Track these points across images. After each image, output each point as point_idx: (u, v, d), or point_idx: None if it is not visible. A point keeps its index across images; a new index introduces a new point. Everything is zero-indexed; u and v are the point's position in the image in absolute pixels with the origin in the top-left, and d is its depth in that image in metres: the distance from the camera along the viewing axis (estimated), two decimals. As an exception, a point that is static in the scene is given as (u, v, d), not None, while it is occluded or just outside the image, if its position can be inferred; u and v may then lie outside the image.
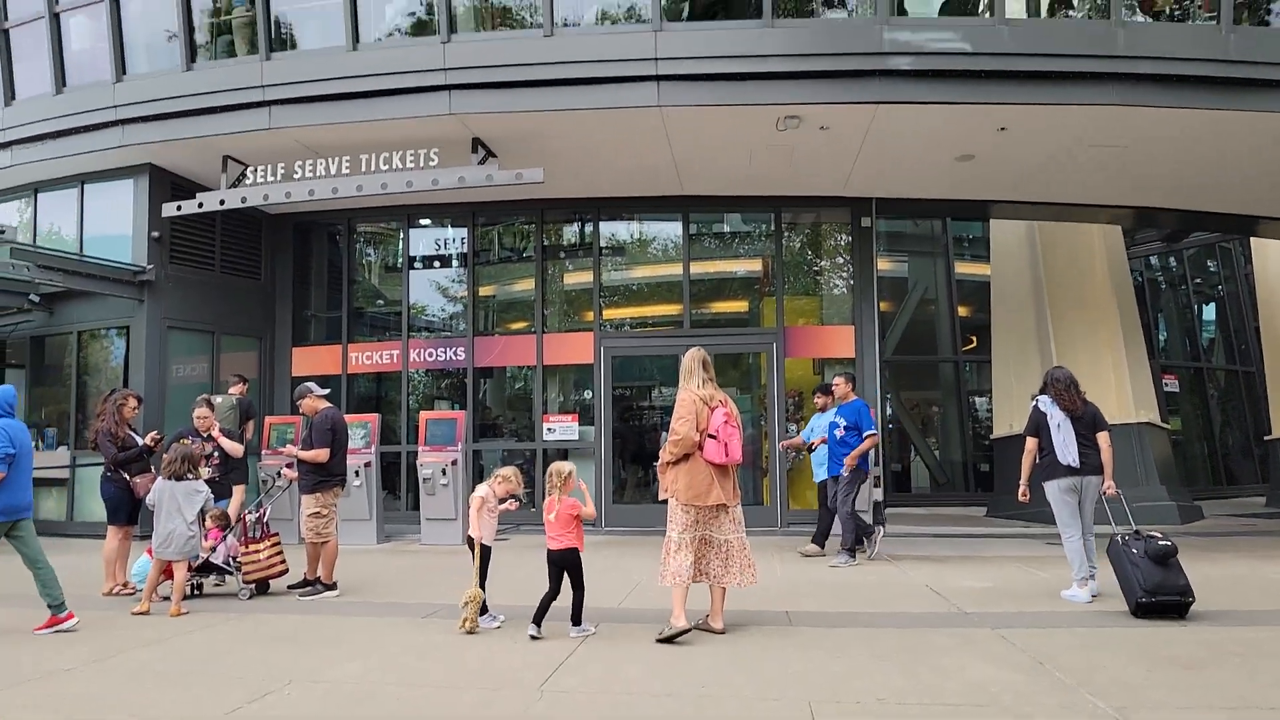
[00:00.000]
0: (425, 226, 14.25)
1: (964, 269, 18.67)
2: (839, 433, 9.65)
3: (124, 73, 11.35)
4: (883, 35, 9.56)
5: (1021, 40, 9.47)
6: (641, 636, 5.85)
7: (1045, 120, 10.04)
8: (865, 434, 9.52)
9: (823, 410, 10.28)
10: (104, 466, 8.20)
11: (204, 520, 7.47)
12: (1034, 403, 7.42)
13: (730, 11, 10.35)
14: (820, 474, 10.09)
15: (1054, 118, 9.94)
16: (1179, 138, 10.49)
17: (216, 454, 8.57)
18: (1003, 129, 10.34)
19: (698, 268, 13.72)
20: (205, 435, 8.53)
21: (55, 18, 11.73)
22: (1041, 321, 14.45)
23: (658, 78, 9.89)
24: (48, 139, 11.74)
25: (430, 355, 13.81)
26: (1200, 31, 9.76)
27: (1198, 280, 21.25)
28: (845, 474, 9.52)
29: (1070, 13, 10.23)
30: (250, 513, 7.94)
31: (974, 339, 17.91)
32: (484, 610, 6.26)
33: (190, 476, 7.25)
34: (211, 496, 7.43)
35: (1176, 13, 10.14)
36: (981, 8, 10.25)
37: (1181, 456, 17.67)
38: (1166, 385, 18.08)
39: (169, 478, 7.19)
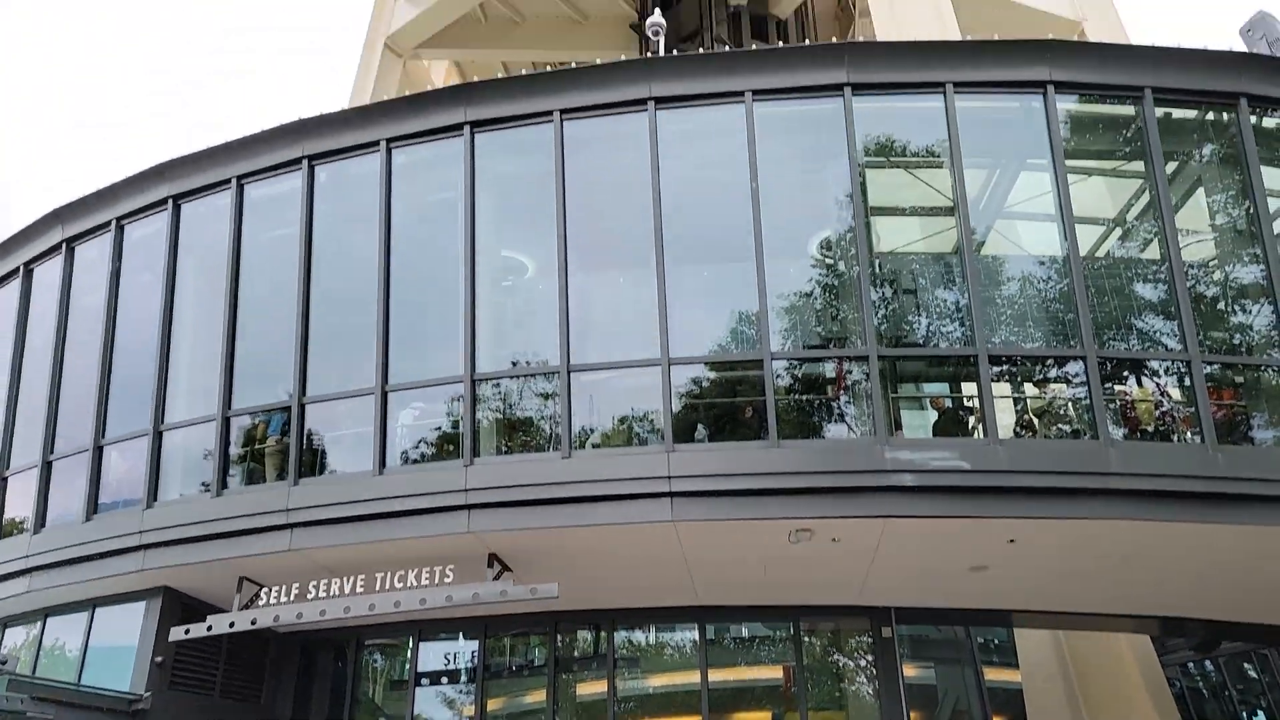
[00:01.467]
0: (437, 639, 13.89)
1: (994, 675, 17.80)
2: None
3: (154, 499, 11.71)
4: (885, 454, 9.96)
5: (1017, 459, 9.86)
6: None
7: (1051, 533, 10.19)
8: None
9: None
10: None
11: None
12: None
13: (737, 432, 10.90)
14: None
15: (1060, 531, 10.09)
16: (1184, 549, 10.60)
17: None
18: (1012, 541, 10.46)
19: (716, 675, 13.22)
20: None
21: (98, 450, 12.32)
22: (1084, 735, 13.60)
23: (670, 495, 10.16)
24: (67, 565, 11.83)
25: (432, 784, 12.86)
26: (1190, 450, 10.16)
27: (1240, 687, 20.22)
28: None
29: (1061, 427, 10.76)
30: None
31: (1017, 753, 16.65)
32: None
33: None
34: None
35: (1161, 429, 10.67)
36: (971, 426, 10.82)
37: None
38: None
39: None
